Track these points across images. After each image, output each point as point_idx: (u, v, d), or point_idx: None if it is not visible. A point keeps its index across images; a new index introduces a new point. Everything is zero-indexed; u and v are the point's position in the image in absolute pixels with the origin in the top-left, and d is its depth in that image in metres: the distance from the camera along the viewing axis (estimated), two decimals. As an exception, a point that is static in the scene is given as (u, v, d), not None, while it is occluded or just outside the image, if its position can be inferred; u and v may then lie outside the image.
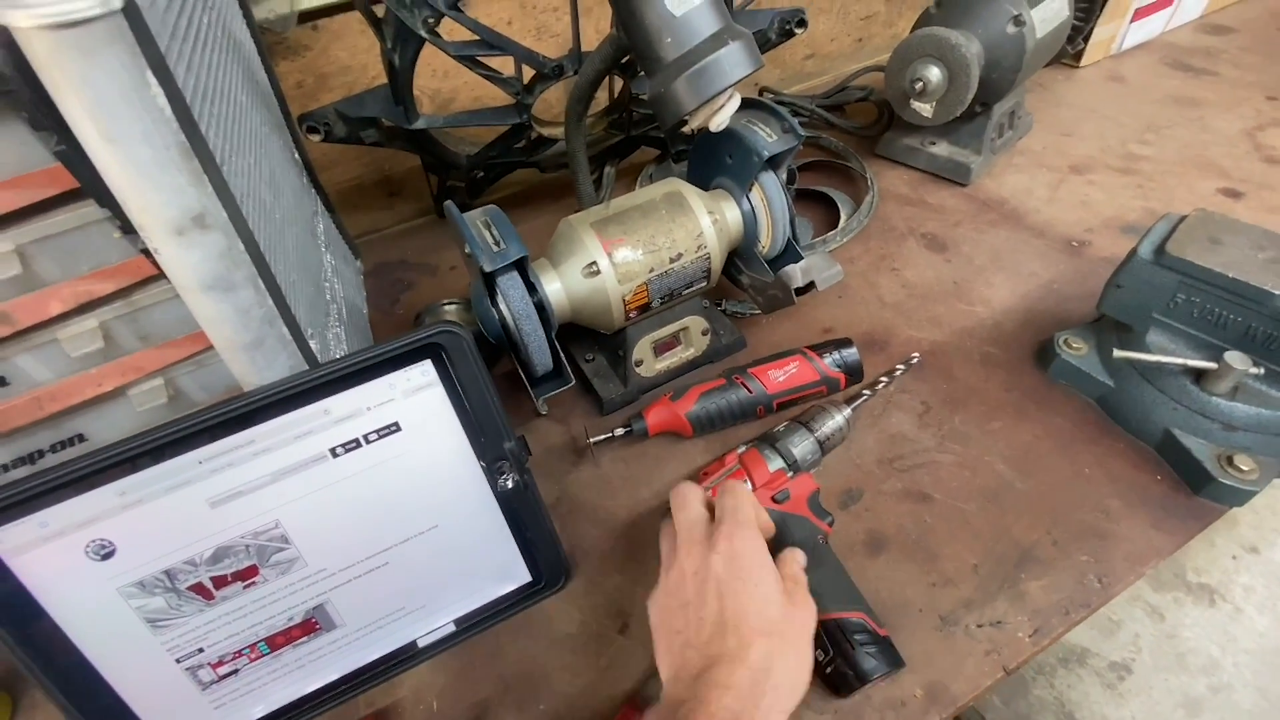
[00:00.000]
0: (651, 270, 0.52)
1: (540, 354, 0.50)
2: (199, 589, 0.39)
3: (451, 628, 0.47)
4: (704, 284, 0.56)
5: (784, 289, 0.56)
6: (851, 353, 0.57)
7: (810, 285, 0.55)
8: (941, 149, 0.81)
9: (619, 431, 0.56)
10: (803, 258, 0.57)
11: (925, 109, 0.75)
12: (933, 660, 0.43)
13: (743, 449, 0.51)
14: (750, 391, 0.55)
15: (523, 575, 0.48)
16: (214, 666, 0.41)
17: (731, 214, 0.55)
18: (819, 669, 0.42)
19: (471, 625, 0.47)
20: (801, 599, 0.37)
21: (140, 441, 0.36)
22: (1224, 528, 1.46)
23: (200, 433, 0.37)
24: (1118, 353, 0.53)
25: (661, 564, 0.40)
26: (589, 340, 0.64)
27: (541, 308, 0.51)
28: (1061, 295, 0.67)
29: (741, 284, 0.62)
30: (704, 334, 0.60)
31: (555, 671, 0.45)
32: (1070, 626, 0.45)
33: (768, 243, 0.58)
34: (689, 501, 0.41)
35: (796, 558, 0.41)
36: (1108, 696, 1.22)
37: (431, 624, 0.46)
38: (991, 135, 0.81)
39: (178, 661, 0.40)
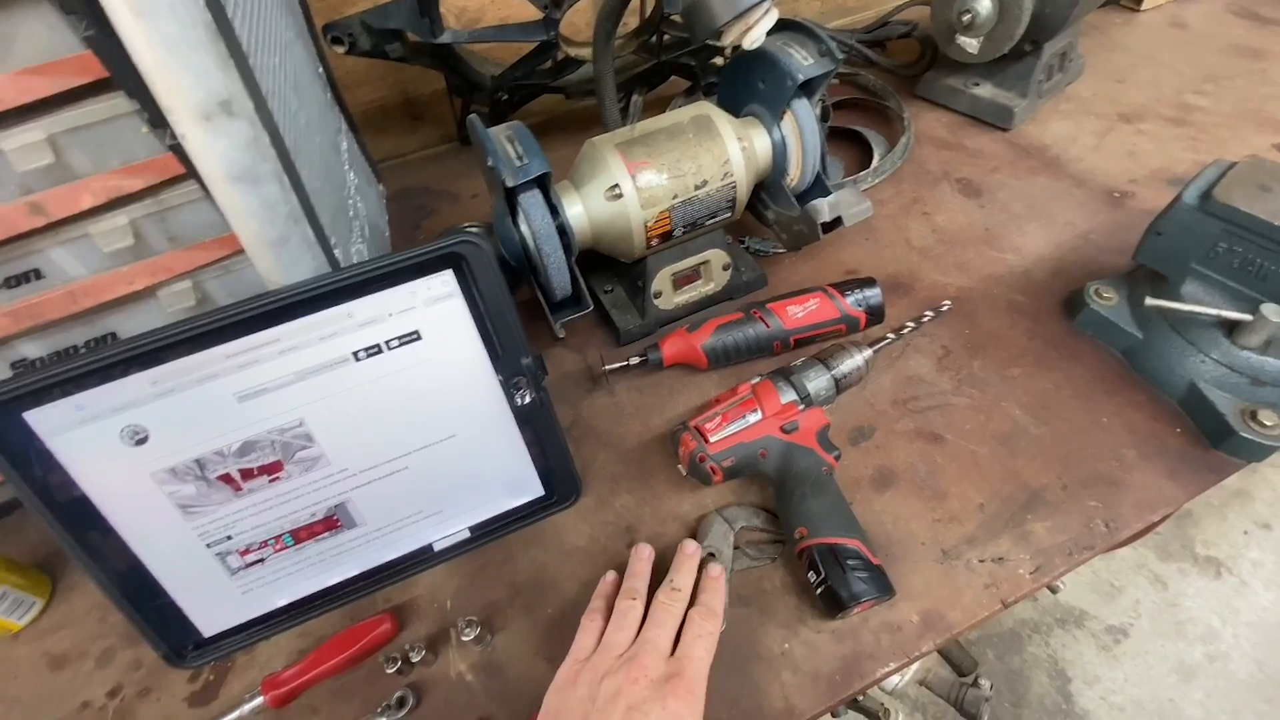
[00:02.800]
0: (675, 196, 0.51)
1: (560, 276, 0.50)
2: (227, 479, 0.41)
3: (466, 534, 0.49)
4: (728, 215, 0.55)
5: (810, 224, 0.55)
6: (874, 293, 0.56)
7: (837, 221, 0.54)
8: (985, 90, 0.78)
9: (634, 360, 0.56)
10: (830, 192, 0.56)
11: (971, 44, 0.71)
12: (931, 590, 0.44)
13: (756, 380, 0.51)
14: (768, 326, 0.55)
15: (536, 489, 0.50)
16: (242, 554, 0.44)
17: (761, 143, 0.54)
18: (810, 590, 0.43)
19: (485, 533, 0.49)
20: None
21: (171, 332, 0.37)
22: (1239, 504, 1.45)
23: (228, 328, 0.38)
24: (1150, 300, 0.51)
25: (579, 653, 0.38)
26: (607, 272, 0.63)
27: (562, 231, 0.50)
28: (1097, 246, 0.65)
29: (766, 219, 0.61)
30: (725, 269, 0.60)
31: (564, 580, 0.47)
32: (1072, 567, 0.45)
33: (796, 175, 0.56)
34: (664, 618, 0.38)
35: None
36: (1102, 658, 1.24)
37: (447, 529, 0.48)
38: (1039, 77, 0.77)
39: (208, 546, 0.43)
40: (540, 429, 0.47)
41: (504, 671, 0.43)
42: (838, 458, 0.48)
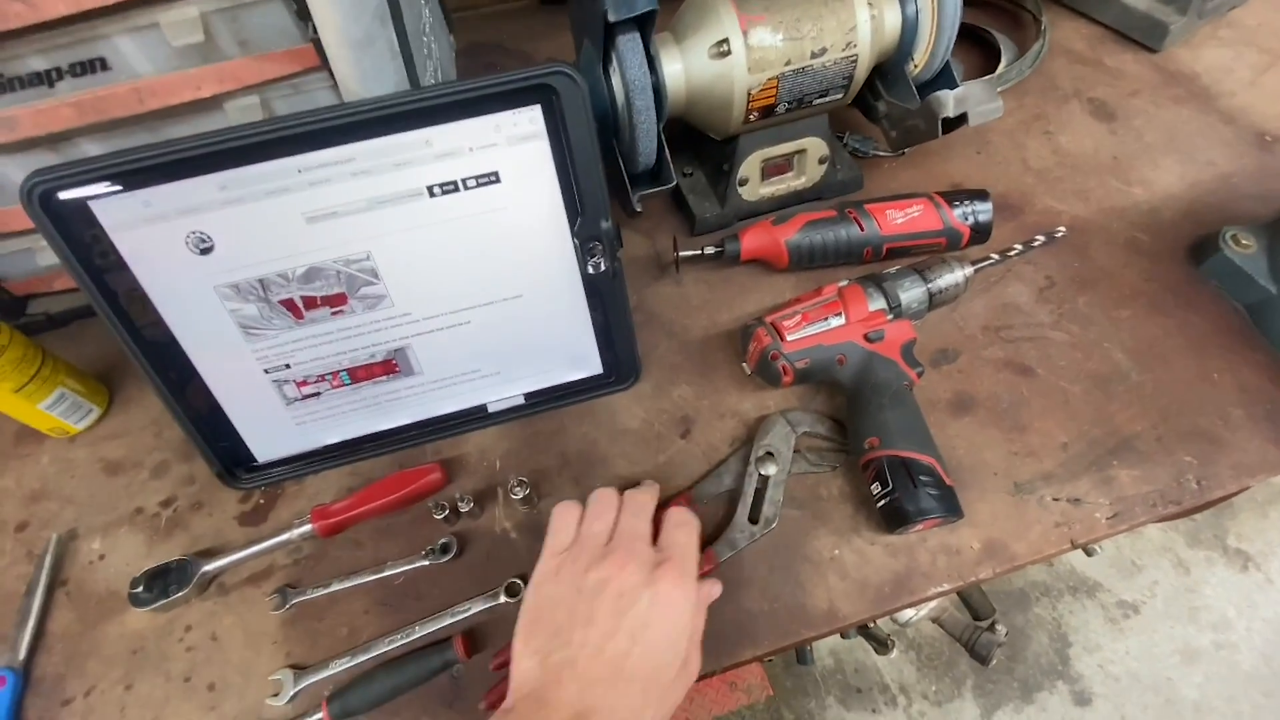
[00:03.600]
0: (788, 63, 0.45)
1: (647, 141, 0.46)
2: (289, 305, 0.40)
3: (521, 400, 0.47)
4: (839, 96, 0.49)
5: (929, 118, 0.49)
6: (985, 207, 0.51)
7: (961, 119, 0.48)
8: (1139, 0, 0.68)
9: (709, 249, 0.52)
10: (958, 84, 0.50)
11: (1143, -64, 0.61)
12: (998, 520, 0.42)
13: (844, 283, 0.47)
14: (862, 229, 0.50)
15: (595, 366, 0.48)
16: (299, 385, 0.43)
17: (891, 15, 0.47)
18: (870, 502, 0.42)
19: (540, 402, 0.47)
20: (693, 659, 0.33)
21: (243, 133, 0.34)
22: (1285, 503, 1.40)
23: (302, 137, 0.35)
24: (1305, 250, 0.45)
25: (558, 545, 0.36)
26: (688, 154, 0.59)
27: (656, 90, 0.45)
28: (1237, 192, 0.58)
29: (875, 112, 0.55)
30: (820, 162, 0.55)
31: (614, 458, 0.46)
32: (1154, 519, 0.42)
33: (922, 62, 0.50)
34: (640, 505, 0.37)
35: (710, 594, 0.37)
36: (1108, 629, 1.25)
37: (503, 392, 0.47)
38: (1206, -8, 0.66)
39: (266, 372, 0.42)
40: (609, 302, 0.45)
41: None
42: (920, 374, 0.45)
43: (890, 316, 0.46)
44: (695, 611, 0.34)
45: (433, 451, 0.47)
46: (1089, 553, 0.81)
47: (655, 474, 0.45)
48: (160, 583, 0.41)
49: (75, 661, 0.40)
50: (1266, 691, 1.18)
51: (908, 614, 0.78)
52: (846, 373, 0.45)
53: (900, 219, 0.51)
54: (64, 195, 0.34)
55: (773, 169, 0.54)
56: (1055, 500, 0.43)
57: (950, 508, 0.40)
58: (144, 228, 0.36)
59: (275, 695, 0.38)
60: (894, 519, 0.40)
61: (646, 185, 0.49)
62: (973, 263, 0.49)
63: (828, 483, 0.44)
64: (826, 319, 0.45)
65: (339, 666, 0.38)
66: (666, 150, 0.48)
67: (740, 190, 0.54)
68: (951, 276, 0.47)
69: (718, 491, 0.44)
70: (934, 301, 0.47)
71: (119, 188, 0.34)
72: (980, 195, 0.51)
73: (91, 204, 0.35)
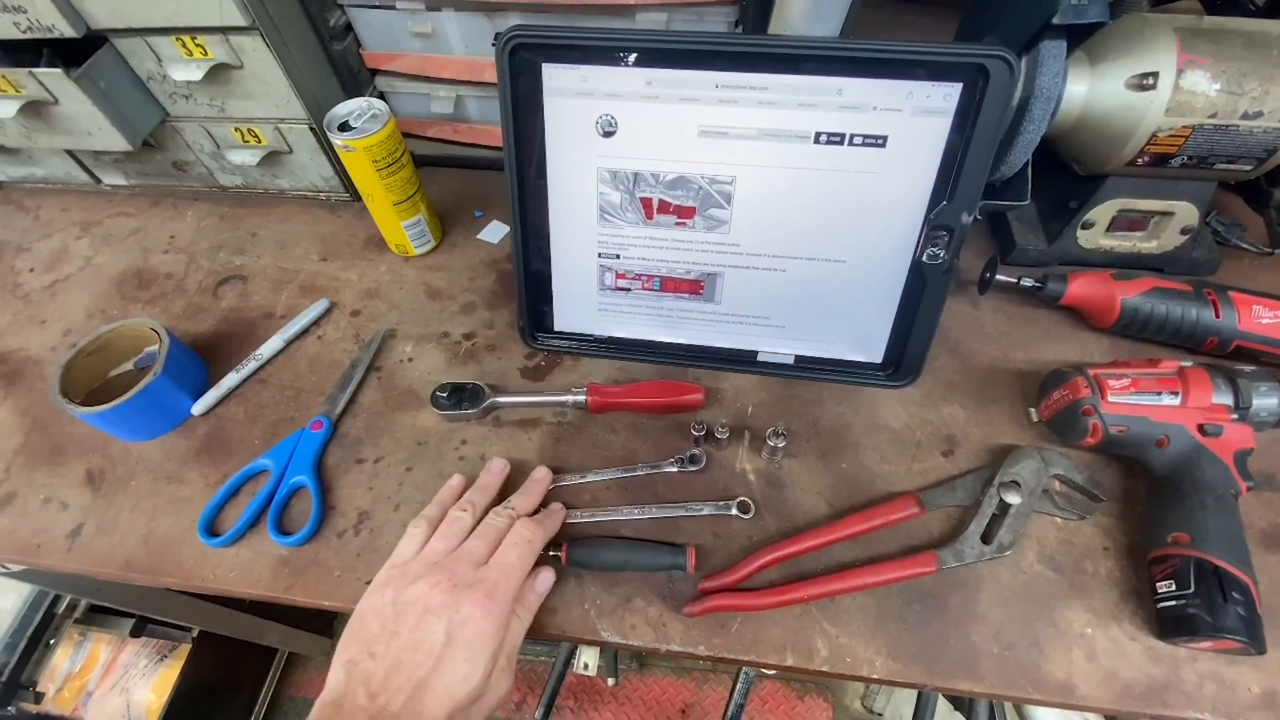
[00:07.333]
0: (1213, 116, 0.41)
1: (1023, 151, 0.44)
2: (646, 204, 0.44)
3: (790, 359, 0.48)
4: (1247, 168, 0.44)
5: (1356, 220, 0.42)
6: (1386, 337, 0.43)
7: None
8: None
9: (1026, 281, 0.49)
10: None
11: None
12: (1292, 678, 0.37)
13: (1187, 363, 0.43)
14: (1217, 315, 0.45)
15: (876, 354, 0.47)
16: (618, 276, 0.47)
17: (1362, 94, 0.41)
18: (1144, 597, 0.38)
19: (806, 369, 0.48)
20: (501, 679, 0.34)
21: (677, 38, 0.38)
22: None
23: (728, 55, 0.38)
24: None
25: (397, 558, 0.37)
26: (1034, 179, 0.55)
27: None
28: None
29: (1268, 199, 0.49)
30: (1182, 232, 0.49)
31: (865, 448, 0.46)
32: None
33: (1373, 156, 0.43)
34: (493, 529, 0.38)
35: (527, 610, 0.37)
36: None
37: (778, 347, 0.48)
38: None
39: (599, 256, 0.46)
40: (925, 296, 0.44)
41: (782, 489, 0.44)
42: (1251, 488, 0.39)
43: (1234, 416, 0.41)
44: (499, 633, 0.34)
45: (692, 378, 0.49)
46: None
47: (905, 476, 0.44)
48: (457, 396, 0.47)
49: (373, 433, 0.48)
50: None
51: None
52: (1163, 457, 0.40)
53: (1267, 319, 0.45)
54: (529, 53, 0.39)
55: (1125, 222, 0.50)
56: (1380, 685, 0.36)
57: (1256, 636, 0.35)
58: (571, 99, 0.41)
59: (527, 524, 0.42)
60: (1179, 625, 0.36)
61: (993, 196, 0.48)
62: (1354, 394, 0.42)
63: (1097, 562, 0.41)
64: (1160, 393, 0.41)
65: (576, 518, 0.42)
66: (1030, 167, 0.46)
67: (1080, 233, 0.51)
68: (1323, 399, 0.41)
69: (949, 503, 0.43)
70: (1286, 419, 0.41)
71: (569, 60, 0.39)
72: (1385, 325, 0.43)
73: (545, 66, 0.40)
